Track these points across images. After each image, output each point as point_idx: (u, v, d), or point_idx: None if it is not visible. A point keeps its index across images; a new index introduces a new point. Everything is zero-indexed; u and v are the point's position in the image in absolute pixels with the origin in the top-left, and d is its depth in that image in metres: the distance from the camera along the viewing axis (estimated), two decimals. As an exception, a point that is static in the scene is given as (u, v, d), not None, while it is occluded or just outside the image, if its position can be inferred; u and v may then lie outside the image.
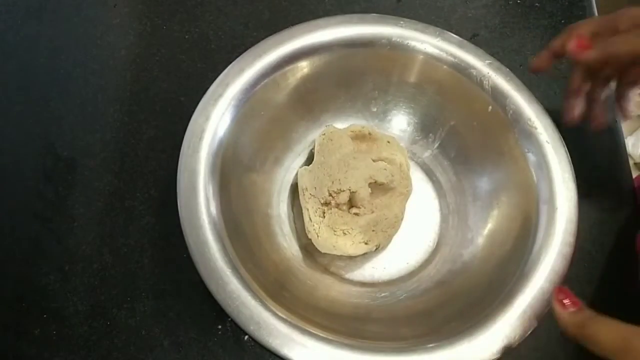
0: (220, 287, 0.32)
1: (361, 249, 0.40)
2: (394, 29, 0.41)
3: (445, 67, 0.41)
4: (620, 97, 0.39)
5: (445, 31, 0.42)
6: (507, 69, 0.41)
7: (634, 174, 0.47)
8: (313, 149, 0.43)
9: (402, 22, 0.42)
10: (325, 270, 0.41)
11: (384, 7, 0.53)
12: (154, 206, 0.43)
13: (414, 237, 0.43)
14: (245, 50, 0.40)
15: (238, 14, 0.52)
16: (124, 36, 0.50)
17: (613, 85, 0.39)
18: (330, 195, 0.39)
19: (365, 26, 0.41)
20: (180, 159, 0.36)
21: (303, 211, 0.40)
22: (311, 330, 0.32)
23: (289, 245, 0.42)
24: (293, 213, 0.43)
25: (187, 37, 0.51)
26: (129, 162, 0.45)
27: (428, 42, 0.41)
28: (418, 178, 0.45)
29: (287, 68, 0.40)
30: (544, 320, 0.34)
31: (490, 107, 0.41)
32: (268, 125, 0.41)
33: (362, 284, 0.41)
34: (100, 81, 0.48)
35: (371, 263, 0.42)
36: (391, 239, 0.42)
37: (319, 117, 0.45)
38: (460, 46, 0.41)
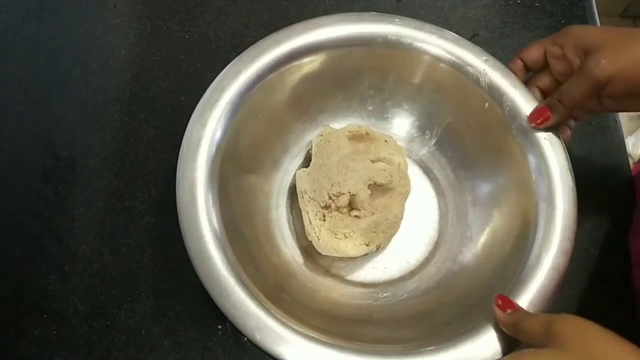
0: (224, 297, 0.32)
1: (362, 250, 0.39)
2: (390, 27, 0.41)
3: (441, 64, 0.41)
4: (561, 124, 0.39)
5: (442, 29, 0.42)
6: (504, 66, 0.40)
7: (634, 173, 0.47)
8: (310, 150, 0.43)
9: (397, 20, 0.41)
10: (326, 272, 0.41)
11: (384, 7, 0.53)
12: (154, 206, 0.43)
13: (414, 236, 0.43)
14: (244, 49, 0.40)
15: (238, 13, 0.52)
16: (124, 36, 0.50)
17: None
18: (330, 198, 0.39)
19: (360, 25, 0.41)
20: (178, 167, 0.36)
21: (302, 214, 0.40)
22: (313, 335, 0.32)
23: (289, 248, 0.42)
24: (292, 215, 0.43)
25: (187, 37, 0.51)
26: (129, 162, 0.45)
27: (424, 40, 0.41)
28: (416, 176, 0.45)
29: (284, 68, 0.40)
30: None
31: (487, 104, 0.40)
32: (265, 127, 0.41)
33: (364, 284, 0.41)
34: (100, 81, 0.48)
35: (372, 263, 0.42)
36: (391, 239, 0.42)
37: (316, 117, 0.45)
38: (457, 43, 0.41)
